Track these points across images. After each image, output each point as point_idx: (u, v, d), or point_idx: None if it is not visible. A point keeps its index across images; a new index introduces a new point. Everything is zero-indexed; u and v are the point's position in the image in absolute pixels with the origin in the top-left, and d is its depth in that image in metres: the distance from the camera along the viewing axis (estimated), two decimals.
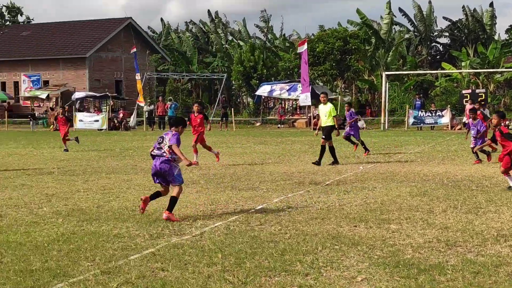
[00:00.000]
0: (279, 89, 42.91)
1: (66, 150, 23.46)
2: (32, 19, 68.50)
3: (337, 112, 18.93)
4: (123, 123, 42.07)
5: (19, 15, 68.41)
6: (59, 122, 24.97)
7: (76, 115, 42.69)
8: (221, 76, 49.07)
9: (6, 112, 47.03)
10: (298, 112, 45.97)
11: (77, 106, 45.48)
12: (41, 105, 50.28)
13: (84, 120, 42.63)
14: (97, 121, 42.43)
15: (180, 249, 7.87)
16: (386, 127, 38.23)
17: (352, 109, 22.02)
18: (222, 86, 49.85)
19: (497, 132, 12.88)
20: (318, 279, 6.54)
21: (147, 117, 42.33)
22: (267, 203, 11.25)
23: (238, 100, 57.69)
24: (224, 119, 41.16)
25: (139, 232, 8.90)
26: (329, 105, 18.35)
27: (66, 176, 15.83)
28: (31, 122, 44.02)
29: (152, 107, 43.80)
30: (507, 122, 36.85)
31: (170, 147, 9.77)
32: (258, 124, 44.72)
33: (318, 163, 17.58)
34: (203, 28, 66.65)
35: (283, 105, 46.62)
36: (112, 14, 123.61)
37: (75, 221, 9.77)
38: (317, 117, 17.70)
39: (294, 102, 46.32)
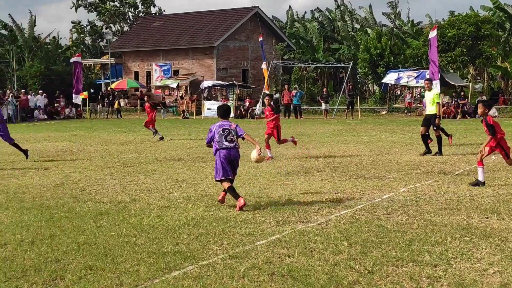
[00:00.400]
0: (407, 77, 41.97)
1: (159, 136, 23.88)
2: (164, 11, 70.84)
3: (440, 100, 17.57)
4: (249, 111, 42.70)
5: (151, 6, 70.94)
6: (146, 109, 25.36)
7: (204, 104, 43.76)
8: (347, 64, 48.57)
9: (138, 100, 48.97)
10: None
11: (205, 95, 46.60)
12: (172, 94, 51.90)
13: (212, 108, 43.59)
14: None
15: (305, 236, 7.91)
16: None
17: None
18: (347, 74, 49.40)
19: (483, 122, 12.00)
20: (447, 271, 6.38)
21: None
22: (393, 192, 11.08)
23: (364, 88, 56.96)
24: (350, 107, 40.79)
25: (265, 218, 9.03)
26: (433, 91, 17.47)
27: (195, 162, 16.29)
28: (162, 110, 45.64)
29: (277, 95, 44.14)
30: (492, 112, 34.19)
31: (242, 137, 10.29)
32: (384, 112, 43.99)
33: (439, 152, 16.92)
34: (329, 16, 66.27)
35: (411, 92, 45.59)
36: (239, 3, 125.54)
37: (203, 206, 10.05)
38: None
39: (422, 90, 45.14)
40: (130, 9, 69.86)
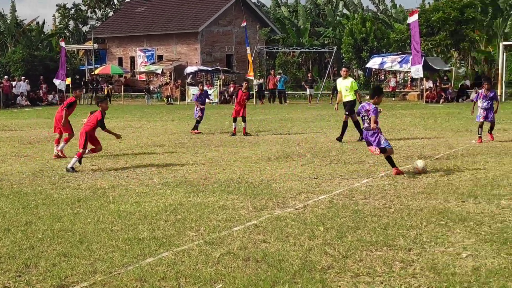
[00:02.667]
0: (391, 61, 41.99)
1: None
2: None
3: (358, 87, 17.72)
4: (233, 96, 42.61)
5: None
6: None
7: (188, 89, 43.61)
8: (331, 49, 48.53)
9: (122, 86, 48.75)
10: (410, 85, 44.91)
11: (189, 80, 46.44)
12: (156, 80, 51.68)
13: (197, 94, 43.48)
14: (209, 94, 43.17)
15: (282, 221, 7.93)
16: (503, 99, 36.69)
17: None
18: (332, 59, 49.39)
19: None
20: (421, 255, 6.42)
21: (257, 90, 42.64)
22: (372, 177, 11.11)
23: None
24: (334, 92, 40.69)
25: (243, 204, 9.03)
26: (350, 79, 17.53)
27: (176, 148, 16.26)
28: (146, 96, 45.44)
29: (262, 80, 44.07)
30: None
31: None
32: (368, 97, 44.08)
33: (339, 139, 16.86)
34: (315, 1, 66.08)
35: (395, 77, 45.65)
36: None
37: (182, 192, 10.04)
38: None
39: (406, 75, 45.24)
40: None
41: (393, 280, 5.74)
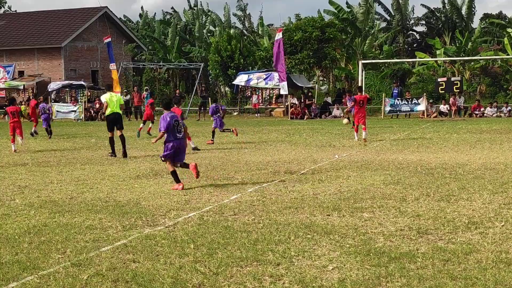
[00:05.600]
0: (256, 78, 42.81)
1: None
2: (15, 10, 67.24)
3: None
4: (99, 113, 41.77)
5: (2, 6, 67.57)
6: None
7: (53, 105, 42.29)
8: (198, 66, 48.77)
9: None
10: (275, 102, 45.96)
11: (53, 97, 45.06)
12: (17, 96, 49.69)
13: (61, 111, 42.30)
14: (73, 111, 42.14)
15: (152, 240, 7.84)
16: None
17: (219, 104, 23.50)
18: (199, 76, 49.63)
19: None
20: (289, 269, 6.55)
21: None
22: (241, 193, 11.24)
23: (216, 90, 57.53)
24: (202, 108, 40.89)
25: (111, 223, 8.86)
26: (118, 95, 19.05)
27: (40, 167, 15.70)
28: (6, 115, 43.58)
29: (128, 97, 43.53)
30: (482, 109, 37.24)
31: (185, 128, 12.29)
32: (235, 113, 44.65)
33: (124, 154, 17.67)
34: (183, 17, 66.18)
35: (259, 94, 46.54)
36: (88, 3, 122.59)
37: (47, 213, 9.70)
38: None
39: (271, 91, 46.28)
40: None
41: None
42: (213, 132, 21.93)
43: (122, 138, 17.78)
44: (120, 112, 18.27)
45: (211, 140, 21.69)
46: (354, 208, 9.59)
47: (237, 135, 22.06)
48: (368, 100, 22.31)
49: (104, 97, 18.22)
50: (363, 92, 28.33)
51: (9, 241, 7.93)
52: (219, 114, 21.65)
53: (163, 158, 12.00)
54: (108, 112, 17.96)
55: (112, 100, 17.96)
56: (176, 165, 11.96)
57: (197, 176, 11.88)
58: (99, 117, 41.27)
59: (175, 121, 11.82)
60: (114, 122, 17.87)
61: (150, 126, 25.96)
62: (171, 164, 11.88)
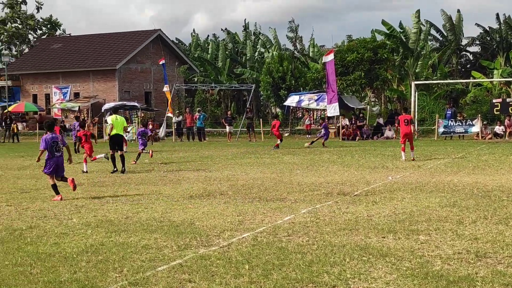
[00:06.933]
0: (308, 99, 42.84)
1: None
2: (69, 34, 68.83)
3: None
4: (152, 134, 42.33)
5: (57, 29, 69.37)
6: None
7: (106, 127, 43.02)
8: (249, 87, 49.06)
9: (37, 124, 47.63)
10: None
11: (107, 118, 45.85)
12: (72, 117, 50.76)
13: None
14: (127, 132, 42.75)
15: (207, 260, 7.88)
16: (416, 137, 37.93)
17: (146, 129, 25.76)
18: (250, 97, 49.89)
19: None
20: None
21: (176, 128, 42.56)
22: (294, 214, 11.22)
23: (267, 111, 57.71)
24: (250, 129, 41.06)
25: (166, 243, 8.93)
26: (123, 119, 20.49)
27: (95, 187, 15.97)
28: (62, 134, 44.46)
29: (180, 118, 44.02)
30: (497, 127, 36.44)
31: (67, 147, 14.36)
32: (286, 134, 44.67)
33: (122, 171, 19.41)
34: (235, 38, 66.73)
35: (311, 116, 46.50)
36: (141, 26, 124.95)
37: (103, 232, 9.84)
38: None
39: (322, 112, 46.19)
40: (31, 31, 68.02)
41: None
42: (139, 154, 23.52)
43: (122, 157, 19.59)
44: (123, 134, 20.14)
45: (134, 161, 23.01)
46: (410, 230, 9.47)
47: (151, 157, 23.79)
48: (411, 120, 23.03)
49: (110, 119, 20.12)
50: (408, 112, 28.23)
51: (67, 259, 8.07)
52: (144, 138, 24.04)
53: (46, 173, 13.74)
54: (112, 132, 19.73)
55: (117, 122, 19.81)
56: (57, 179, 13.76)
57: (74, 189, 13.73)
58: (151, 138, 41.77)
59: (54, 142, 13.63)
60: (115, 142, 19.68)
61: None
62: (52, 178, 13.69)
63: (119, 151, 19.64)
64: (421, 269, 7.26)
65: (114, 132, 19.67)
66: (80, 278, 7.15)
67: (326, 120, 35.29)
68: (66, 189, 14.39)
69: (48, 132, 13.92)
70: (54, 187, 13.65)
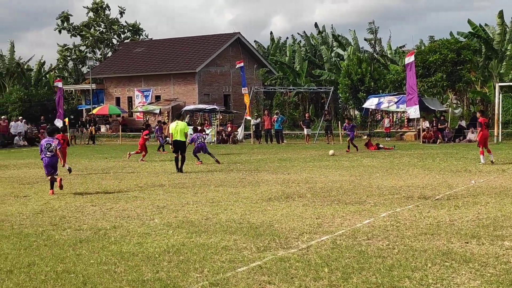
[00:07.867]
0: (387, 102, 42.27)
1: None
2: (151, 38, 70.26)
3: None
4: (231, 136, 42.71)
5: (140, 34, 71.18)
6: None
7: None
8: (328, 89, 48.82)
9: (120, 126, 48.88)
10: (406, 125, 45.11)
11: (187, 120, 46.59)
12: (153, 119, 51.83)
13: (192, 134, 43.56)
14: (207, 134, 43.33)
15: (286, 262, 7.90)
16: (500, 140, 36.85)
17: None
18: (329, 100, 49.66)
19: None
20: None
21: (254, 130, 42.80)
22: (374, 217, 11.10)
23: (345, 113, 57.30)
24: (328, 132, 40.82)
25: (246, 244, 9.00)
26: (185, 123, 22.03)
27: (176, 188, 16.25)
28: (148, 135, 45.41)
29: (259, 120, 44.22)
30: None
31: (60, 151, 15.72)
32: (365, 137, 44.19)
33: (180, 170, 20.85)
34: (311, 41, 66.59)
35: (390, 118, 45.89)
36: (221, 29, 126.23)
37: (184, 232, 10.01)
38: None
39: (402, 115, 45.51)
40: (115, 36, 69.96)
41: None
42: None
43: (183, 158, 21.12)
44: (184, 139, 21.39)
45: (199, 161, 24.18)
46: (494, 236, 9.22)
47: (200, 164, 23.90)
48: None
49: (171, 127, 21.63)
50: (485, 115, 27.42)
51: (150, 259, 8.25)
52: (199, 141, 24.50)
53: (45, 172, 15.72)
54: (174, 138, 21.23)
55: (177, 129, 21.21)
56: (53, 177, 15.47)
57: (60, 188, 15.37)
58: (230, 140, 42.19)
59: (47, 144, 15.40)
60: (178, 147, 21.11)
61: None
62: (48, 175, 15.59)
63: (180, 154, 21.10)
64: (507, 275, 7.06)
65: (174, 138, 21.21)
66: (163, 278, 7.30)
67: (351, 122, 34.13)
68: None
69: (48, 137, 15.88)
70: (51, 182, 15.47)
